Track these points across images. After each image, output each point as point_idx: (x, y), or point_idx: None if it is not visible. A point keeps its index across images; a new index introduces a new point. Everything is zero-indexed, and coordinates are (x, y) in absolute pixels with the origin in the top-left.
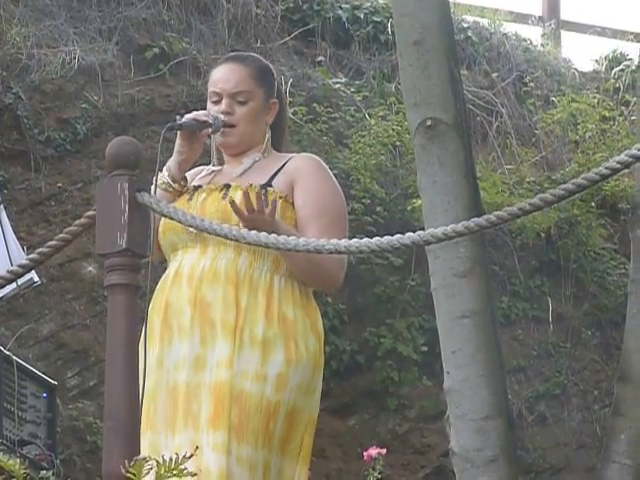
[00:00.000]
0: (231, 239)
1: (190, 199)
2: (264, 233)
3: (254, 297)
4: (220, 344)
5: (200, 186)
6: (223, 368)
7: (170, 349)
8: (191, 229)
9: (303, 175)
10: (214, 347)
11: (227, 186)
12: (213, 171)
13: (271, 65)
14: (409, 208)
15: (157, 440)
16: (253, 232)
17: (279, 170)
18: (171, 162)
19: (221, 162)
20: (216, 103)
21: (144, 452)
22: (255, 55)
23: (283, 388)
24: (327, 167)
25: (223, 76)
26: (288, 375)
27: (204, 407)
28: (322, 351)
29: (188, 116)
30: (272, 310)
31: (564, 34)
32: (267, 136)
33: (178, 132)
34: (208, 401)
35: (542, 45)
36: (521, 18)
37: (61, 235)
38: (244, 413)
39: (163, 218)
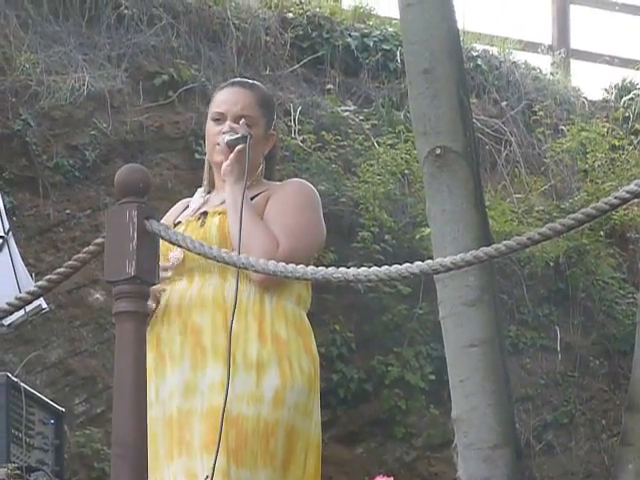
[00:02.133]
0: (239, 267)
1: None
2: (272, 262)
3: (244, 320)
4: (211, 368)
5: (180, 222)
6: (216, 392)
7: (164, 380)
8: (172, 260)
9: (280, 190)
10: (205, 372)
11: (204, 214)
12: (202, 202)
13: (272, 96)
14: (418, 237)
15: (161, 475)
16: (261, 260)
17: (261, 192)
18: None
19: (212, 187)
20: (218, 123)
21: None
22: (259, 84)
23: (280, 406)
24: (313, 192)
25: (229, 98)
26: (284, 394)
27: (197, 433)
28: (317, 373)
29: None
30: (265, 330)
31: (574, 63)
32: (261, 167)
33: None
34: (201, 427)
35: (552, 74)
36: (531, 47)
37: (69, 262)
38: (241, 436)
39: None
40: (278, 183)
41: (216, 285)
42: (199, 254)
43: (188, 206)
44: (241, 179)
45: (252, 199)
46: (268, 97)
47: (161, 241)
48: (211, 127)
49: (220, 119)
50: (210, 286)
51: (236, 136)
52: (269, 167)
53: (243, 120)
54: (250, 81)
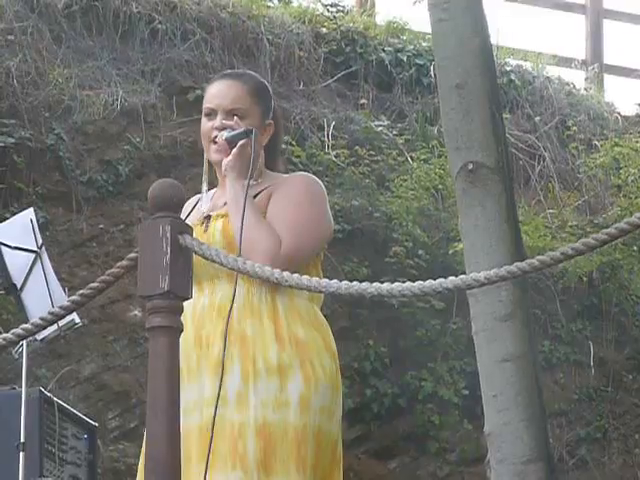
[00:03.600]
0: (272, 281)
1: None
2: (306, 277)
3: (259, 324)
4: (227, 380)
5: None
6: (229, 405)
7: (183, 394)
8: None
9: (283, 185)
10: (215, 384)
11: (208, 217)
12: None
13: (267, 84)
14: (451, 252)
15: None
16: (295, 275)
17: (264, 189)
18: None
19: (212, 185)
20: (210, 118)
21: None
22: (252, 73)
23: (306, 411)
24: (316, 185)
25: (219, 92)
26: (310, 397)
27: (219, 447)
28: (338, 369)
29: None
30: (281, 332)
31: (607, 78)
32: (261, 160)
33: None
34: (219, 442)
35: (585, 89)
36: (564, 62)
37: (103, 277)
38: (269, 445)
39: None
40: (284, 176)
41: (225, 291)
42: (232, 269)
43: (196, 206)
44: (243, 175)
45: (255, 197)
46: (261, 85)
47: None
48: (204, 123)
49: (211, 114)
50: (219, 292)
51: (237, 131)
52: (271, 157)
53: (236, 118)
54: (241, 71)
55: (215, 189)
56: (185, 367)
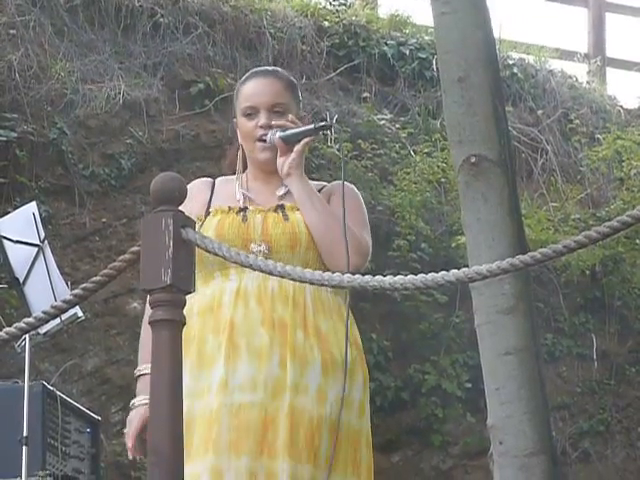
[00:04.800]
0: (275, 275)
1: (244, 220)
2: (308, 270)
3: (332, 320)
4: (292, 367)
5: (247, 207)
6: (305, 394)
7: (236, 370)
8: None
9: (338, 191)
10: (286, 370)
11: (281, 206)
12: (243, 193)
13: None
14: (454, 245)
15: (219, 463)
16: (298, 269)
17: (321, 189)
18: None
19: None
20: (251, 118)
21: (204, 475)
22: (280, 68)
23: (323, 401)
24: (360, 196)
25: (257, 90)
26: (326, 387)
27: (281, 433)
28: (363, 360)
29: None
30: (307, 323)
31: (610, 71)
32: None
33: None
34: (285, 427)
35: (588, 82)
36: (567, 55)
37: (105, 271)
38: (294, 429)
39: (230, 237)
40: (323, 184)
41: (253, 279)
42: (236, 263)
43: (212, 191)
44: (303, 172)
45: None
46: (292, 80)
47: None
48: (244, 123)
49: (252, 113)
50: (249, 280)
51: (302, 129)
52: None
53: (291, 116)
54: (270, 68)
55: (233, 180)
56: (244, 343)
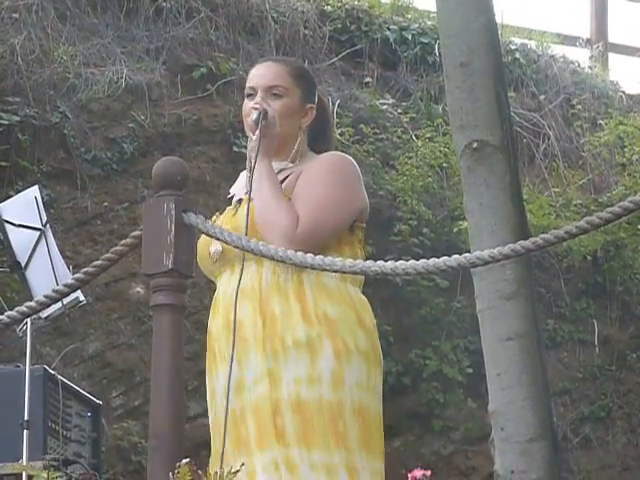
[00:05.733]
0: (277, 260)
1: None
2: (310, 255)
3: (287, 303)
4: (253, 361)
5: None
6: (260, 385)
7: (217, 377)
8: (212, 254)
9: (312, 164)
10: (249, 365)
11: (239, 201)
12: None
13: (312, 73)
14: (455, 230)
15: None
16: (299, 253)
17: (295, 171)
18: None
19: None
20: (251, 98)
21: None
22: (295, 59)
23: (340, 386)
24: (347, 164)
25: (259, 72)
26: (342, 371)
27: (250, 430)
28: (376, 347)
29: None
30: (308, 311)
31: (612, 56)
32: (299, 140)
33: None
34: (252, 422)
35: (590, 67)
36: (569, 40)
37: (107, 255)
38: (307, 420)
39: (198, 247)
40: (318, 157)
41: (253, 273)
42: (236, 247)
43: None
44: (267, 156)
45: (286, 178)
46: (302, 69)
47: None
48: (245, 104)
49: (252, 94)
50: (248, 275)
51: (257, 112)
52: (319, 143)
53: (259, 98)
54: (283, 57)
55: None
56: (217, 349)
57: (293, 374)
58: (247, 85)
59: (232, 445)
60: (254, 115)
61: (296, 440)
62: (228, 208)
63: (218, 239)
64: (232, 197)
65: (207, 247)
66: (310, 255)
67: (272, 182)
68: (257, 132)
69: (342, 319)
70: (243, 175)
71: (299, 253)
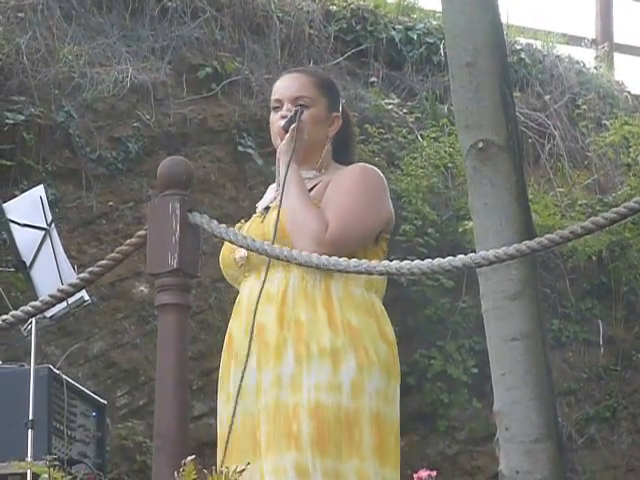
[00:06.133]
0: (282, 259)
1: (240, 228)
2: (315, 255)
3: (313, 310)
4: (272, 366)
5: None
6: (278, 390)
7: (236, 379)
8: (238, 260)
9: (341, 173)
10: (267, 370)
11: (267, 208)
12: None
13: (335, 81)
14: (460, 230)
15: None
16: (304, 253)
17: (324, 180)
18: None
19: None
20: (277, 110)
21: None
22: (319, 70)
23: (360, 394)
24: (375, 175)
25: (284, 84)
26: (363, 381)
27: (263, 435)
28: (396, 359)
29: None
30: (335, 319)
31: (617, 57)
32: (326, 148)
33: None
34: (265, 427)
35: (595, 68)
36: (574, 40)
37: (112, 254)
38: (324, 426)
39: (221, 252)
40: (346, 167)
41: (280, 279)
42: (241, 247)
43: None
44: (296, 161)
45: (314, 187)
46: (327, 79)
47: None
48: (272, 116)
49: (278, 106)
50: (274, 280)
51: (289, 115)
52: (343, 153)
53: (289, 105)
54: (307, 68)
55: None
56: (237, 352)
57: (314, 380)
58: (272, 98)
59: (250, 447)
60: (282, 122)
61: (310, 445)
62: (254, 215)
63: (223, 239)
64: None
65: (232, 253)
66: (315, 255)
67: (300, 188)
68: (289, 134)
69: (365, 329)
70: (270, 189)
71: (304, 253)
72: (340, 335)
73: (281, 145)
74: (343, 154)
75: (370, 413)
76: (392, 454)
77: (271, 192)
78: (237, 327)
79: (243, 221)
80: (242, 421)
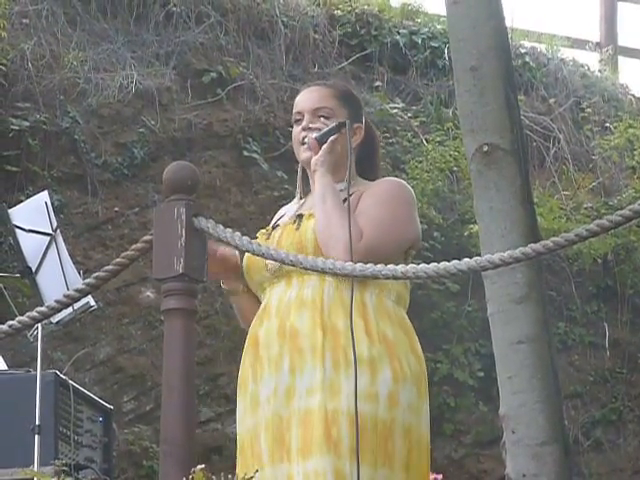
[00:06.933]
0: (287, 264)
1: (267, 238)
2: (320, 258)
3: (350, 318)
4: (309, 370)
5: (278, 225)
6: (314, 394)
7: (262, 383)
8: (269, 266)
9: (373, 187)
10: (302, 374)
11: (300, 216)
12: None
13: (355, 93)
14: (466, 234)
15: (264, 476)
16: (310, 257)
17: (355, 192)
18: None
19: (305, 193)
20: (299, 123)
21: None
22: (340, 82)
23: (395, 406)
24: (406, 190)
25: (304, 97)
26: (398, 393)
27: (294, 438)
28: (425, 374)
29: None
30: (371, 329)
31: (621, 60)
32: (350, 161)
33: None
34: (298, 430)
35: (599, 71)
36: (579, 44)
37: (118, 259)
38: (362, 434)
39: (246, 257)
40: (375, 182)
41: (315, 286)
42: (253, 253)
43: (285, 214)
44: (331, 171)
45: (345, 200)
46: (346, 90)
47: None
48: (294, 130)
49: (300, 119)
50: (309, 287)
51: (328, 127)
52: (367, 167)
53: (322, 119)
54: (327, 80)
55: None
56: (266, 356)
57: (353, 387)
58: (294, 111)
59: (272, 449)
60: (315, 134)
61: (349, 452)
62: (283, 223)
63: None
64: (275, 223)
65: (263, 259)
66: (321, 259)
67: (335, 198)
68: (326, 145)
69: (399, 342)
70: (287, 206)
71: (310, 257)
72: (376, 345)
73: (317, 157)
74: (368, 171)
75: (402, 426)
76: (419, 467)
77: (294, 204)
78: (264, 330)
79: (267, 229)
80: (266, 423)
